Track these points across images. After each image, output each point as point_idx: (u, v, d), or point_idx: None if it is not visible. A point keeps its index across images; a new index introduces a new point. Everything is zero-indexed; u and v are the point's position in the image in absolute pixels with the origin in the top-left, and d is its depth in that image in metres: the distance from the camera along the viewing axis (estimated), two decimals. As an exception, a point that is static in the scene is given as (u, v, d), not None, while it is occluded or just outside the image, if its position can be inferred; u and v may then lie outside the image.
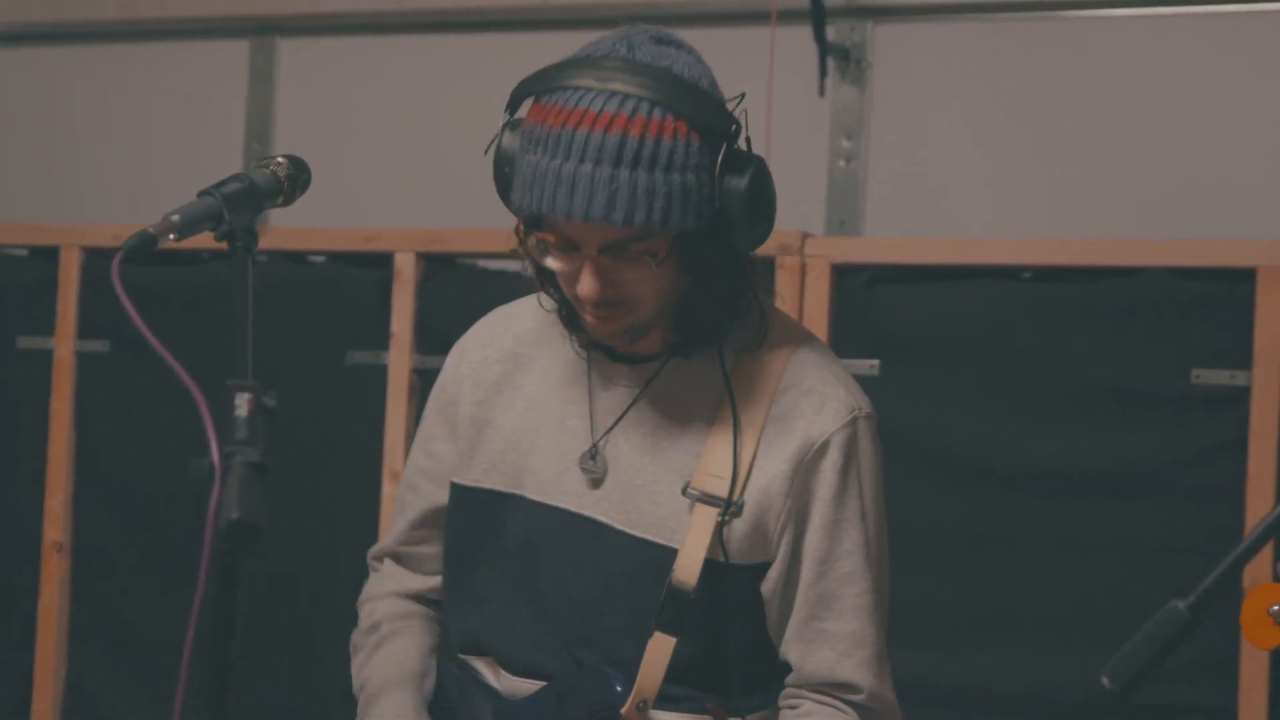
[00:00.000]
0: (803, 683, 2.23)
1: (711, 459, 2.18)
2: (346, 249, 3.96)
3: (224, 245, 1.92)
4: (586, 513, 2.22)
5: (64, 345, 4.13)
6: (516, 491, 2.27)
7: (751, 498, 2.18)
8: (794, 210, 3.91)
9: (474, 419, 2.32)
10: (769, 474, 2.18)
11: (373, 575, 2.48)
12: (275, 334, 3.85)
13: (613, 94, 2.05)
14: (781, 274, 3.54)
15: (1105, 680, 1.69)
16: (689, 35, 2.19)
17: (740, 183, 2.09)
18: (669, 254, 2.09)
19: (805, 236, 3.58)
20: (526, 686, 2.27)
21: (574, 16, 4.18)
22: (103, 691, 4.10)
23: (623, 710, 2.16)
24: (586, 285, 2.10)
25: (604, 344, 2.23)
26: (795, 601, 2.21)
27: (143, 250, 1.86)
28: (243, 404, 1.66)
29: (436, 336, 3.78)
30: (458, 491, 2.33)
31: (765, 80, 3.89)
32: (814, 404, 2.20)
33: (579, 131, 2.04)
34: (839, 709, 2.21)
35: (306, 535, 3.85)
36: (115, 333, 4.10)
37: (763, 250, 3.47)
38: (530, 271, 2.22)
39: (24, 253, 4.26)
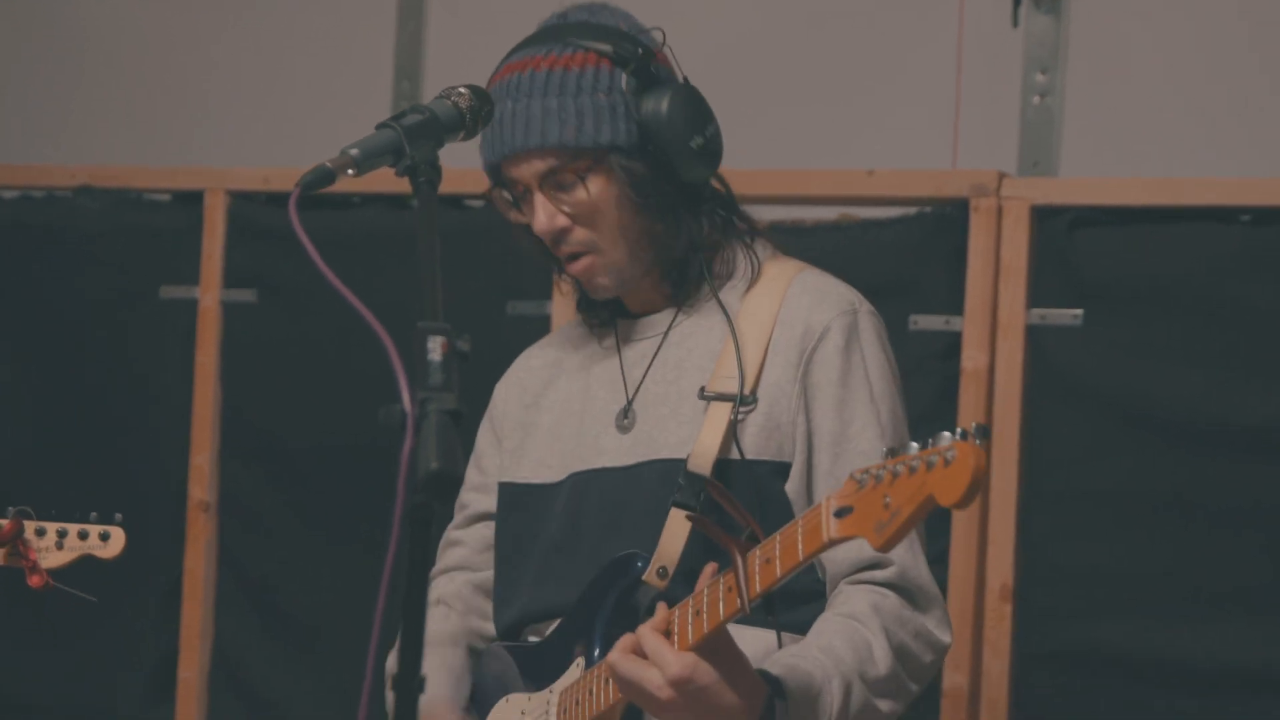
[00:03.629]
0: (836, 575, 2.37)
1: (724, 365, 2.41)
2: (507, 192, 3.95)
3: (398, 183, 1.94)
4: (621, 463, 2.44)
5: (209, 295, 4.16)
6: (564, 477, 2.50)
7: (764, 393, 2.39)
8: (984, 149, 3.87)
9: (521, 422, 2.59)
10: (778, 368, 2.40)
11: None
12: (432, 282, 3.87)
13: (535, 45, 2.46)
14: (976, 217, 3.50)
15: None
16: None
17: (658, 103, 2.39)
18: (594, 170, 2.39)
19: (1002, 176, 3.54)
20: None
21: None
22: (248, 656, 4.13)
23: (643, 578, 2.32)
24: (540, 219, 2.43)
25: (607, 301, 2.52)
26: (816, 493, 2.37)
27: (319, 186, 1.89)
28: (436, 347, 1.67)
29: (602, 285, 3.77)
30: (507, 491, 2.57)
31: (955, 10, 3.85)
32: (815, 299, 2.44)
33: (504, 79, 2.45)
34: (872, 588, 2.33)
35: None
36: (262, 282, 4.13)
37: (955, 191, 3.51)
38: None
39: (166, 198, 4.28)
